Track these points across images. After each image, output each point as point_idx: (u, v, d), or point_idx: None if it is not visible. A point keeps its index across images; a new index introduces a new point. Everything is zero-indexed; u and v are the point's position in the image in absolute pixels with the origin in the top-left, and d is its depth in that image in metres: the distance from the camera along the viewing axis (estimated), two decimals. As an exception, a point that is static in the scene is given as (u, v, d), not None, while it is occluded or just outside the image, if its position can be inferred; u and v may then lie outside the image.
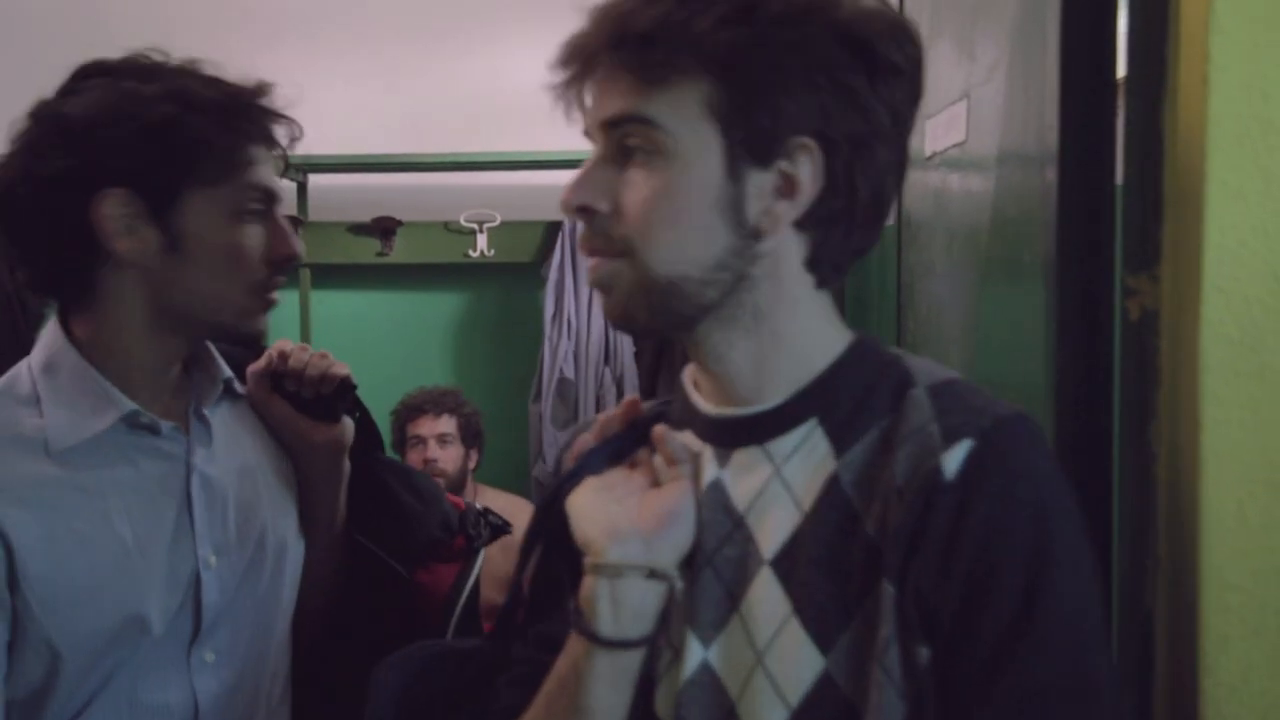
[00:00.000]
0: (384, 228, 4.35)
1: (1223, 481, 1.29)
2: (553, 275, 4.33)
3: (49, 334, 1.59)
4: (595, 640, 1.17)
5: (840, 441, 1.17)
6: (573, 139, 3.86)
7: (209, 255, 1.56)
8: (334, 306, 4.49)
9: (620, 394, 4.32)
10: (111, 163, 1.50)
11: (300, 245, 1.66)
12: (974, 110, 1.81)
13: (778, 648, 1.13)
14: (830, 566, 1.13)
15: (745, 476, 1.20)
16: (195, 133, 1.51)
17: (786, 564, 1.15)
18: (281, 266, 1.63)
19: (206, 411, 1.65)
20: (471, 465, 4.15)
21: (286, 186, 1.73)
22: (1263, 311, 1.27)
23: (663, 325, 1.20)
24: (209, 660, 1.60)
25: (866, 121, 1.13)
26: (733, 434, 1.22)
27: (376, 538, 1.87)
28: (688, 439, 1.25)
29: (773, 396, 1.20)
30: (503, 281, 4.55)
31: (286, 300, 4.31)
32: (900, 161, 1.19)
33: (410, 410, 4.14)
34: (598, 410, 4.28)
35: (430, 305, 4.56)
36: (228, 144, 1.55)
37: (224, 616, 1.62)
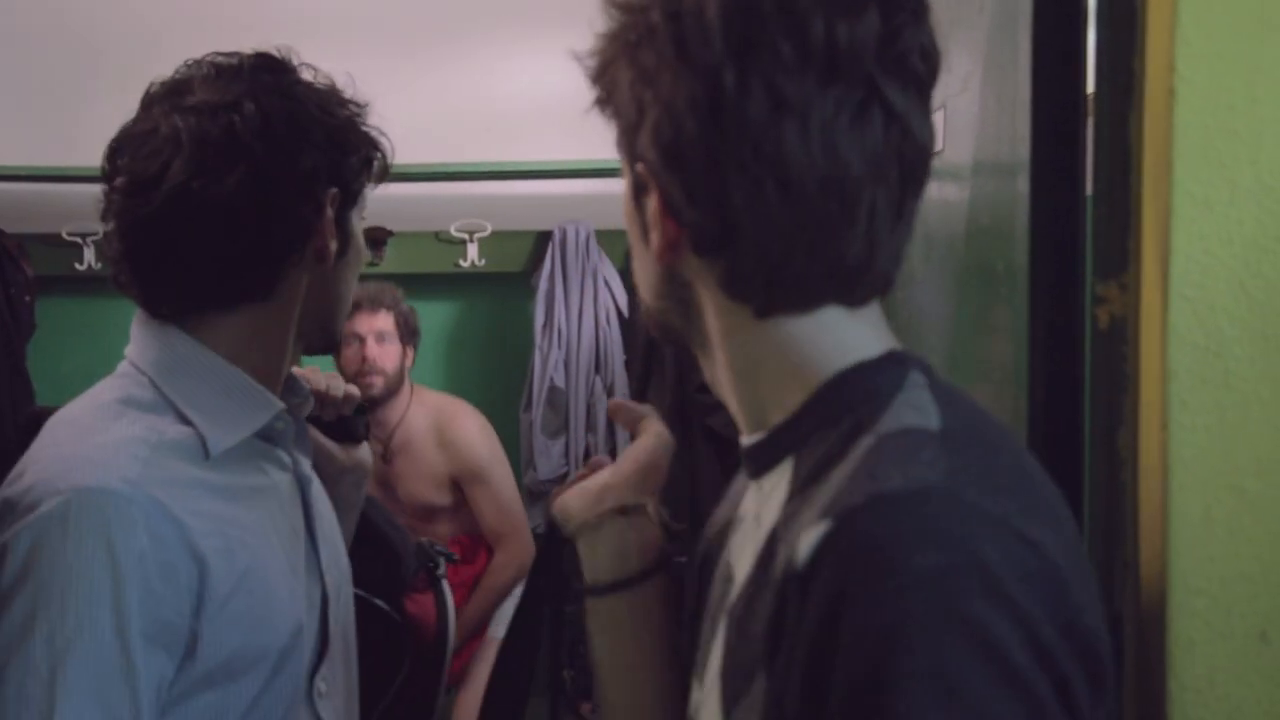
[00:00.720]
0: (375, 238, 4.36)
1: (1189, 487, 1.30)
2: (543, 285, 4.35)
3: (161, 337, 1.46)
4: (588, 594, 1.18)
5: (794, 487, 1.04)
6: (562, 149, 3.90)
7: (358, 260, 1.57)
8: (325, 316, 4.50)
9: (610, 403, 4.33)
10: (340, 162, 1.49)
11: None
12: (950, 121, 1.83)
13: (707, 705, 1.07)
14: (743, 632, 1.02)
15: (748, 510, 1.14)
16: (368, 135, 1.53)
17: (731, 617, 1.06)
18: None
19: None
20: (408, 363, 4.03)
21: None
22: (1228, 320, 1.29)
23: (671, 342, 1.18)
24: (323, 691, 1.51)
25: (681, 144, 0.99)
26: (746, 464, 1.15)
27: (357, 577, 1.74)
28: None
29: (762, 428, 1.10)
30: (493, 291, 4.56)
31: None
32: (774, 171, 0.97)
33: None
34: (588, 418, 4.30)
35: (421, 314, 4.55)
36: (377, 146, 1.56)
37: (334, 643, 1.55)
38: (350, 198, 1.52)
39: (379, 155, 1.56)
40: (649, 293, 1.13)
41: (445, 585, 1.90)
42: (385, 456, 3.89)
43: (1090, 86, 1.46)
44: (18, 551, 1.27)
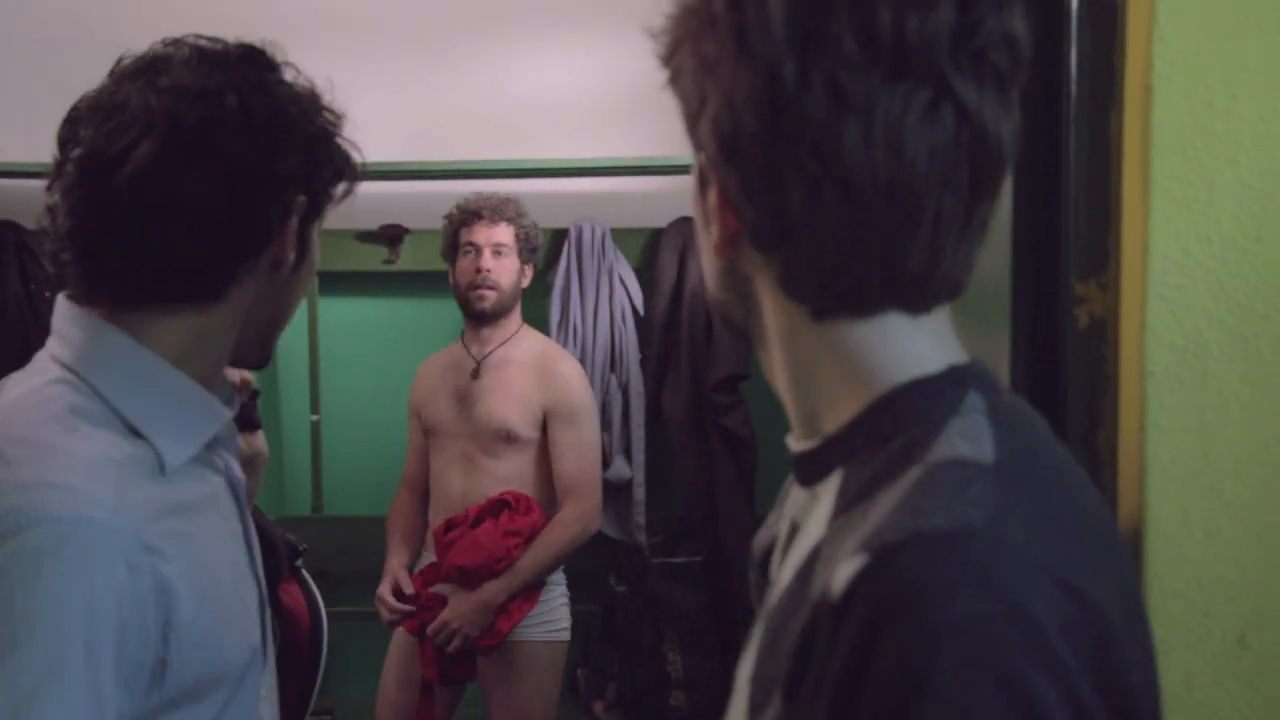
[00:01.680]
0: (391, 236, 4.37)
1: (1166, 489, 1.29)
2: (559, 282, 4.35)
3: (99, 336, 1.37)
4: None
5: (840, 505, 0.99)
6: (577, 146, 3.88)
7: (309, 274, 1.51)
8: (341, 313, 4.51)
9: (626, 401, 4.32)
10: (313, 171, 1.43)
11: None
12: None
13: (736, 704, 1.04)
14: (775, 643, 0.99)
15: (797, 516, 1.11)
16: (339, 149, 1.47)
17: (768, 624, 1.03)
18: None
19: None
20: (525, 283, 3.80)
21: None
22: (1206, 320, 1.28)
23: (735, 334, 1.15)
24: (263, 695, 1.48)
25: (740, 137, 0.95)
26: (794, 470, 1.11)
27: None
28: None
29: (816, 434, 1.06)
30: (510, 289, 4.56)
31: (295, 307, 4.35)
32: (834, 171, 0.92)
33: (466, 215, 3.78)
34: (603, 417, 4.30)
35: (437, 312, 4.57)
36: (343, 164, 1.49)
37: (270, 642, 1.52)
38: (316, 209, 1.46)
39: (349, 169, 1.49)
40: (712, 283, 1.10)
41: (306, 575, 1.87)
42: (475, 373, 3.69)
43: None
44: None
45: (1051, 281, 1.47)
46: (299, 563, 1.83)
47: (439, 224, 4.35)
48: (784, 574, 1.05)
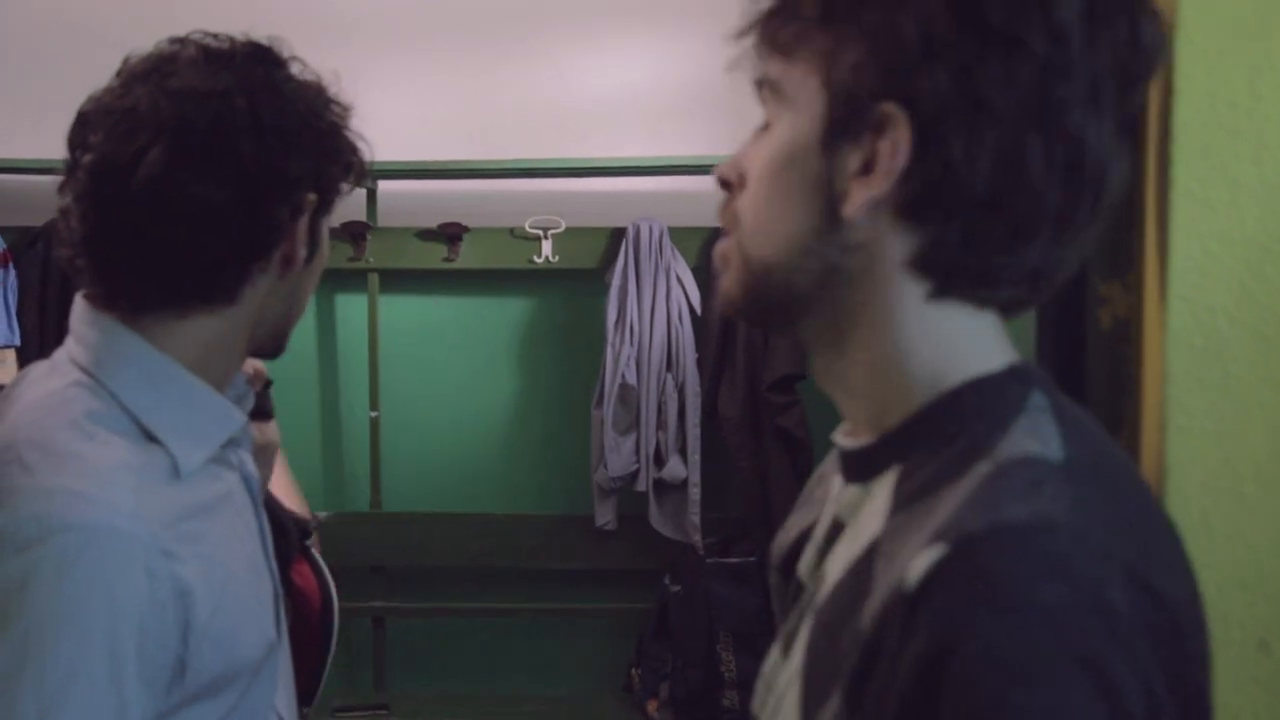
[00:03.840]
0: (450, 234, 4.40)
1: (1187, 491, 1.28)
2: (616, 281, 4.36)
3: (117, 341, 1.39)
4: None
5: (899, 500, 0.99)
6: (635, 145, 3.92)
7: (320, 266, 1.51)
8: (401, 311, 4.54)
9: (682, 400, 4.33)
10: (323, 168, 1.43)
11: None
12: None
13: (785, 705, 1.05)
14: (831, 637, 0.98)
15: (845, 513, 1.09)
16: (349, 140, 1.47)
17: (818, 620, 1.03)
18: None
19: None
20: None
21: (356, 193, 1.73)
22: (1227, 321, 1.27)
23: (762, 312, 1.10)
24: (279, 681, 1.51)
25: (967, 92, 0.93)
26: (843, 467, 1.11)
27: None
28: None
29: (876, 429, 1.05)
30: (566, 287, 4.57)
31: (355, 305, 4.40)
32: (1052, 152, 0.94)
33: None
34: (659, 416, 4.30)
35: (495, 310, 4.59)
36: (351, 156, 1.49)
37: (285, 632, 1.55)
38: (326, 204, 1.46)
39: (357, 160, 1.49)
40: (787, 247, 1.03)
41: (317, 555, 1.86)
42: None
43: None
44: (6, 591, 1.20)
45: (1075, 282, 1.46)
46: (309, 542, 1.84)
47: (498, 223, 4.37)
48: (831, 569, 1.05)
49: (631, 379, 4.33)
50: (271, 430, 1.71)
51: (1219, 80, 1.26)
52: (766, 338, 4.25)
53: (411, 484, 4.60)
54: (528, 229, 4.42)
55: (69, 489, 1.25)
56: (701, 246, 4.38)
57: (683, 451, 4.31)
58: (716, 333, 4.33)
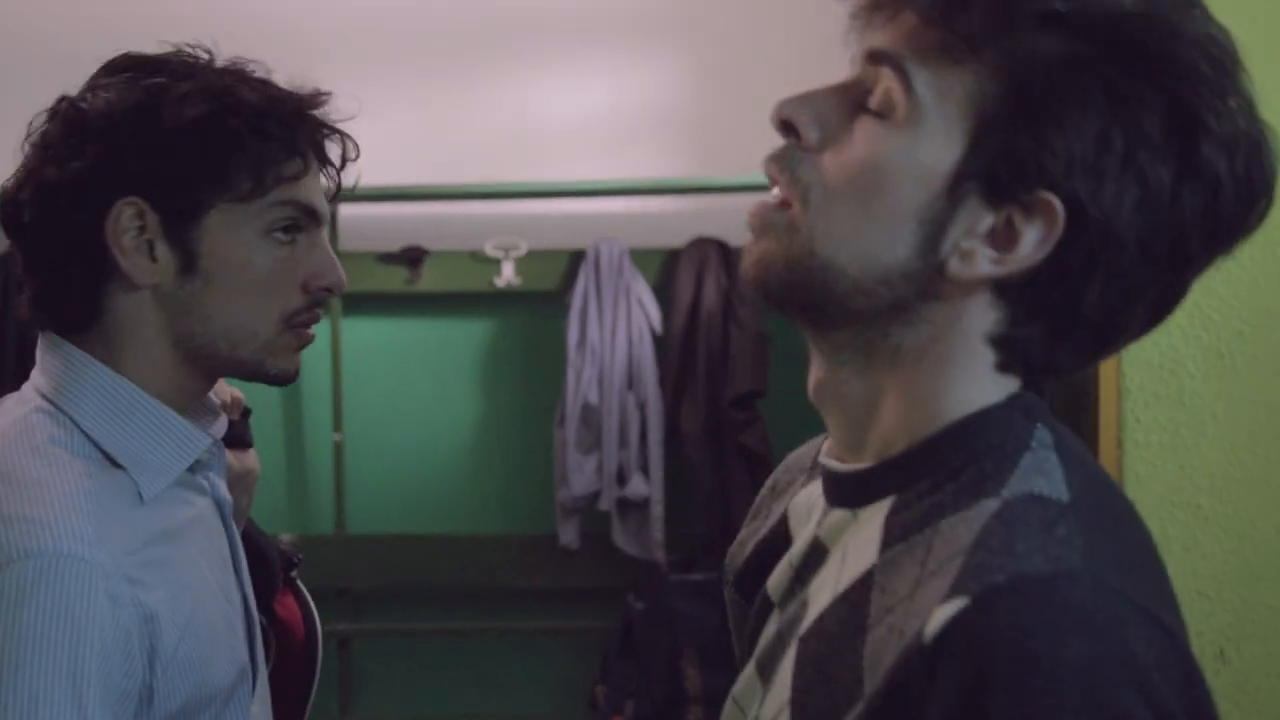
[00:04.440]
0: (412, 257, 4.42)
1: (1144, 504, 1.32)
2: (577, 302, 4.38)
3: (70, 364, 1.37)
4: None
5: (895, 532, 0.97)
6: (595, 167, 3.92)
7: (233, 280, 1.37)
8: (363, 334, 4.56)
9: (644, 419, 4.35)
10: (128, 169, 1.32)
11: (343, 274, 1.44)
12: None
13: None
14: (824, 671, 0.96)
15: (830, 538, 1.06)
16: (228, 138, 1.33)
17: (805, 648, 1.00)
18: (320, 297, 1.44)
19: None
20: None
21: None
22: (1181, 337, 1.30)
23: (793, 304, 1.01)
24: (255, 712, 1.47)
25: (1139, 220, 0.91)
26: (830, 490, 1.07)
27: None
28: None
29: (875, 455, 1.02)
30: (528, 308, 4.59)
31: (318, 328, 4.38)
32: (1157, 294, 0.97)
33: None
34: (621, 435, 4.33)
35: (458, 332, 4.61)
36: (268, 153, 1.36)
37: (260, 662, 1.52)
38: (184, 210, 1.35)
39: (247, 159, 1.35)
40: (862, 265, 0.96)
41: (301, 585, 1.83)
42: None
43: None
44: None
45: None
46: (294, 573, 1.81)
47: (460, 245, 4.39)
48: (817, 595, 1.02)
49: (593, 399, 4.35)
50: (251, 459, 1.67)
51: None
52: (727, 355, 4.29)
53: (375, 506, 4.61)
54: (489, 251, 4.44)
55: (28, 517, 1.24)
56: (661, 267, 4.41)
57: (645, 469, 4.34)
58: (677, 351, 4.36)
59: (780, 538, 1.16)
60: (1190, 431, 1.30)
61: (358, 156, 1.48)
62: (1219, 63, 0.91)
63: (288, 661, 1.74)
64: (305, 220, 1.41)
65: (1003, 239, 0.93)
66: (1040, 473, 0.94)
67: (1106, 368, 1.31)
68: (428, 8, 4.48)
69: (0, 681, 1.17)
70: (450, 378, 4.63)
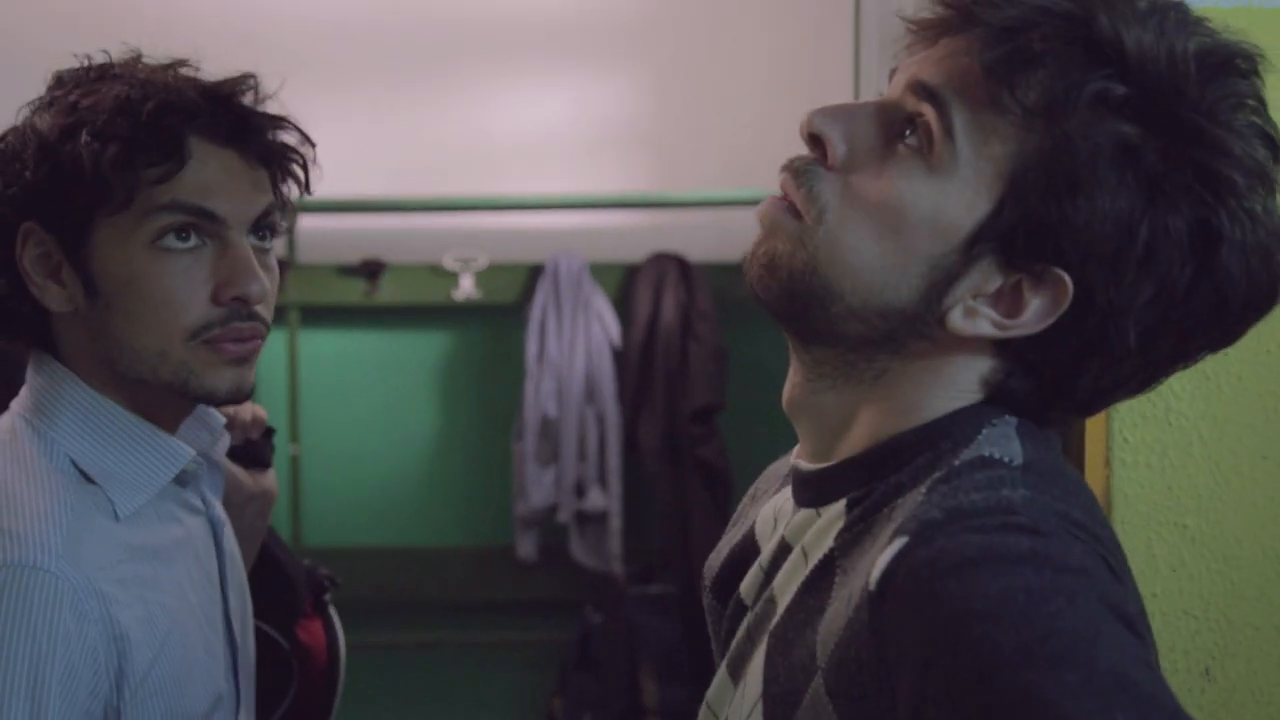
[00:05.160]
0: (370, 269, 4.41)
1: (1131, 524, 1.34)
2: (536, 315, 4.39)
3: (50, 380, 1.35)
4: None
5: (853, 517, 0.98)
6: (554, 181, 3.92)
7: (127, 298, 1.29)
8: (321, 347, 4.54)
9: (602, 432, 4.36)
10: (19, 194, 1.28)
11: (262, 282, 1.33)
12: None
13: None
14: (788, 652, 0.97)
15: (795, 536, 1.07)
16: (84, 148, 1.24)
17: (773, 642, 1.01)
18: (235, 308, 1.31)
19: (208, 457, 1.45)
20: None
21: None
22: (1168, 361, 1.33)
23: (786, 314, 1.01)
24: None
25: (1148, 315, 0.92)
26: (798, 489, 1.09)
27: (256, 607, 1.59)
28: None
29: (840, 458, 1.03)
30: (487, 321, 4.60)
31: (275, 340, 4.38)
32: (1153, 375, 0.99)
33: None
34: (580, 448, 4.34)
35: (416, 345, 4.60)
36: (125, 156, 1.25)
37: (248, 689, 1.49)
38: (70, 229, 1.29)
39: (107, 164, 1.25)
40: (864, 298, 0.96)
41: (332, 610, 1.80)
42: None
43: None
44: None
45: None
46: (327, 598, 1.78)
47: (418, 258, 4.39)
48: (783, 592, 1.03)
49: (552, 412, 4.36)
50: (268, 479, 1.64)
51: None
52: (685, 370, 4.31)
53: (333, 518, 4.59)
54: (447, 264, 4.43)
55: None
56: (620, 281, 4.43)
57: (603, 483, 4.35)
58: (636, 365, 4.38)
59: (752, 544, 1.17)
60: (1177, 452, 1.33)
61: (312, 148, 1.41)
62: (1259, 173, 0.91)
63: (303, 688, 1.71)
64: (204, 223, 1.29)
65: (1008, 303, 0.94)
66: (994, 443, 0.95)
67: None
68: (387, 20, 4.48)
69: None
70: (409, 390, 4.62)
